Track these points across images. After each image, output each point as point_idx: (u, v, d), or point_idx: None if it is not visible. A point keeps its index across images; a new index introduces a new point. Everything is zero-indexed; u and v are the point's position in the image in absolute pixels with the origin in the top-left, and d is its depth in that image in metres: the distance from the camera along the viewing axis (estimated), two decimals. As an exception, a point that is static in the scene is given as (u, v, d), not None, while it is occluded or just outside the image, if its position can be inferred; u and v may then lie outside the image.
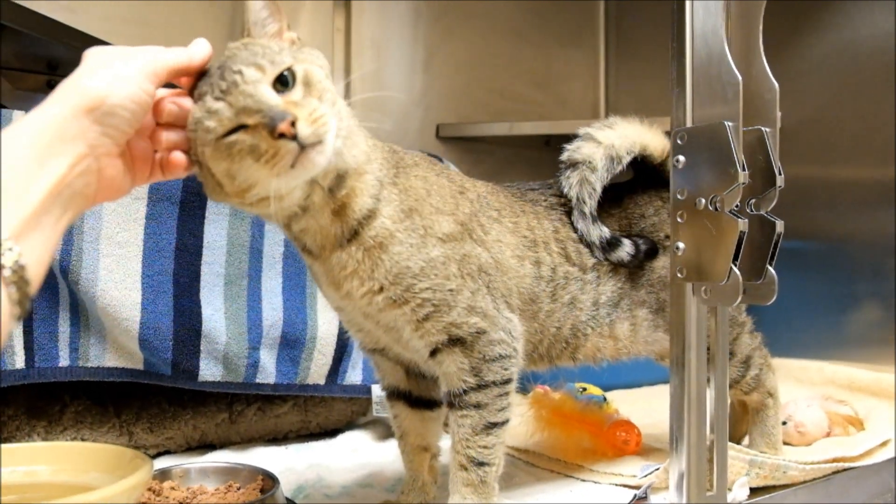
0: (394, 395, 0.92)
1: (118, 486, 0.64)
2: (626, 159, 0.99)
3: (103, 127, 0.60)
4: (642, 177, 1.06)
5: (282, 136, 0.63)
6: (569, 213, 0.98)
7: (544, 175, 1.06)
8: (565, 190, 0.97)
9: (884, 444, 1.15)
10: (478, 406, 0.80)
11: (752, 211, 0.90)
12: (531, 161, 2.01)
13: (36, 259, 0.54)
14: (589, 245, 0.96)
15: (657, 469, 0.97)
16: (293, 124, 0.63)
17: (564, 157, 1.00)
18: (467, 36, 1.96)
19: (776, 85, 0.89)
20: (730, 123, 0.86)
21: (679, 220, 0.91)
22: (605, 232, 0.96)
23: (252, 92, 0.65)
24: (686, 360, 0.91)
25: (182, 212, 1.06)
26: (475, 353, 0.80)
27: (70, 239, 0.99)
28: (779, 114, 0.89)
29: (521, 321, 0.89)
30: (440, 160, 1.27)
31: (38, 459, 0.75)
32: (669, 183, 1.04)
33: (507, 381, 0.82)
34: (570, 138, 1.05)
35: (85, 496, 0.66)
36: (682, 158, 0.90)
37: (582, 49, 2.14)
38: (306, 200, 0.73)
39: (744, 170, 0.85)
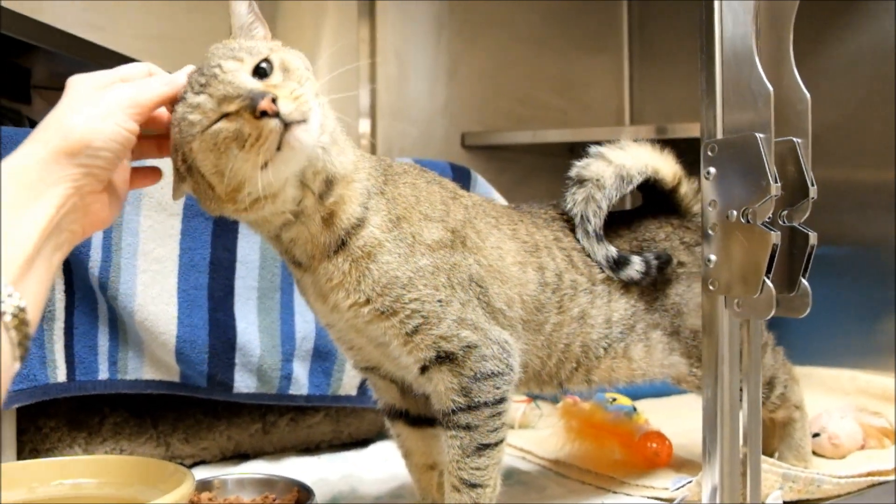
0: (391, 414, 0.90)
1: (166, 500, 0.65)
2: (638, 179, 0.97)
3: (87, 168, 0.60)
4: (652, 203, 1.04)
5: (264, 114, 0.63)
6: (571, 227, 0.96)
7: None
8: (568, 206, 0.95)
9: (920, 456, 1.14)
10: (468, 427, 0.78)
11: (784, 222, 0.90)
12: (555, 168, 1.99)
13: (33, 300, 0.55)
14: (625, 288, 0.94)
15: (689, 482, 0.96)
16: (274, 101, 0.63)
17: (572, 173, 0.98)
18: (490, 44, 1.97)
19: (808, 95, 0.89)
20: (761, 135, 0.85)
21: (710, 232, 0.91)
22: (612, 251, 0.94)
23: (231, 80, 0.66)
24: (719, 374, 0.91)
25: (216, 227, 1.08)
26: (466, 369, 0.77)
27: (108, 255, 1.01)
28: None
29: (524, 333, 0.86)
30: (468, 172, 1.29)
31: (83, 473, 0.78)
32: (678, 209, 1.04)
33: (500, 401, 0.79)
34: (593, 145, 1.04)
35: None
36: (712, 170, 0.89)
37: (605, 54, 2.14)
38: (298, 205, 0.72)
39: (776, 182, 0.85)
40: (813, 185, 0.87)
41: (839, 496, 1.03)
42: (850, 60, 1.70)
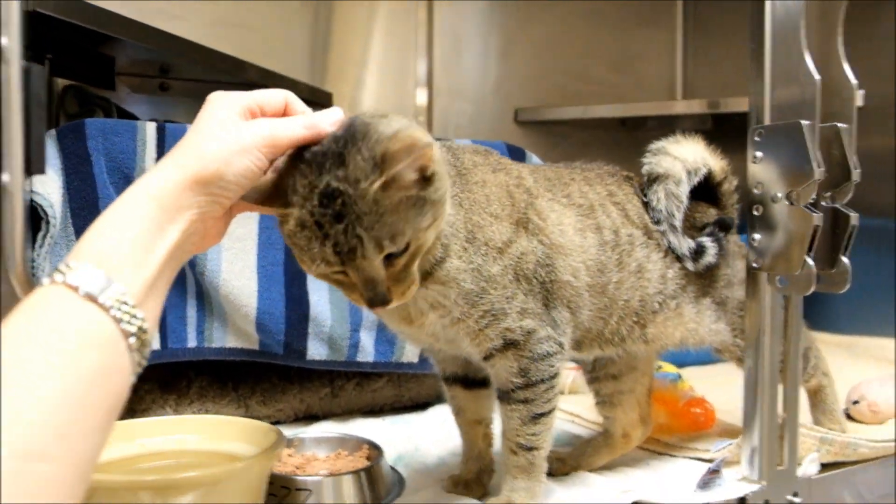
0: (450, 380, 0.97)
1: (266, 453, 0.76)
2: (703, 172, 1.01)
3: (215, 196, 0.62)
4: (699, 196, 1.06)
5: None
6: (622, 181, 1.00)
7: (620, 156, 1.09)
8: (653, 204, 0.98)
9: (961, 423, 1.18)
10: (526, 401, 0.85)
11: (828, 203, 0.94)
12: (607, 143, 2.05)
13: (152, 320, 0.57)
14: (679, 258, 0.98)
15: (730, 444, 1.03)
16: (385, 302, 0.68)
17: (644, 171, 1.01)
18: (544, 21, 2.01)
19: (854, 82, 0.92)
20: (806, 122, 0.90)
21: (755, 212, 0.96)
22: (692, 243, 0.98)
23: (366, 267, 0.66)
24: (761, 345, 0.96)
25: (289, 207, 1.17)
26: (525, 352, 0.84)
27: (195, 234, 1.11)
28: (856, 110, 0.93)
29: (590, 299, 0.90)
30: (523, 152, 1.34)
31: (186, 430, 0.88)
32: (719, 202, 1.06)
33: (554, 377, 0.86)
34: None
35: (248, 459, 0.79)
36: (759, 154, 0.94)
37: (659, 29, 2.15)
38: None
39: (819, 167, 0.89)
40: (856, 168, 0.91)
41: (876, 458, 1.09)
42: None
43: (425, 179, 0.67)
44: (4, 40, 0.49)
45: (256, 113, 0.67)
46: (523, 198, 0.86)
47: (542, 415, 0.87)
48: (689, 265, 0.97)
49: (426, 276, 0.77)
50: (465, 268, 0.79)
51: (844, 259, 0.92)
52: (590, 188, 0.97)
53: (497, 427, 0.96)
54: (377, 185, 0.64)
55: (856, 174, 0.90)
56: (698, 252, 0.98)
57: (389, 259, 0.68)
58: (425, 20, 1.87)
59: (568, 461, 1.05)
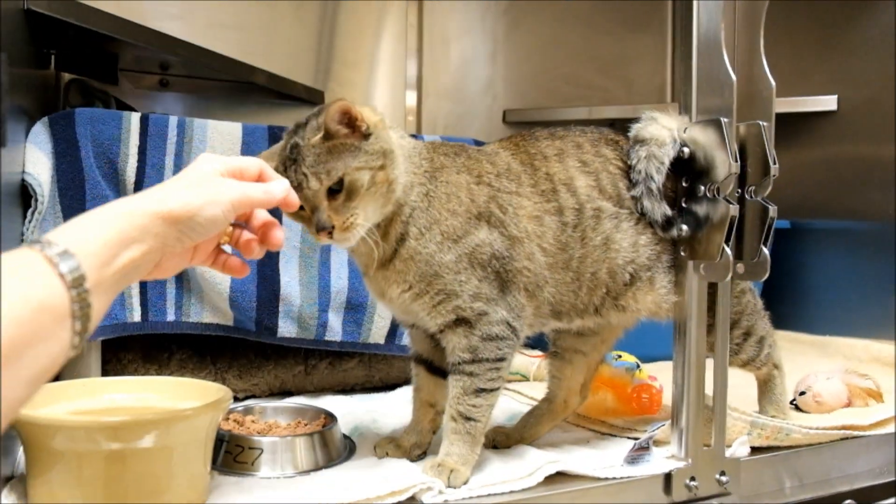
0: (418, 360, 1.06)
1: (212, 404, 0.85)
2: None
3: (181, 234, 0.70)
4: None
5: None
6: (617, 150, 1.05)
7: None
8: (633, 163, 1.02)
9: (897, 415, 1.22)
10: (471, 374, 0.94)
11: (751, 197, 1.00)
12: (593, 144, 2.10)
13: (96, 315, 0.62)
14: (651, 223, 1.01)
15: (662, 426, 1.09)
16: (330, 232, 0.87)
17: (631, 133, 1.05)
18: (533, 24, 2.08)
19: (773, 83, 0.98)
20: (725, 119, 0.96)
21: (683, 205, 1.02)
22: (668, 210, 1.01)
23: (311, 197, 0.86)
24: (687, 329, 1.02)
25: (265, 194, 1.26)
26: (475, 331, 0.94)
27: (175, 217, 1.21)
28: (775, 109, 0.98)
29: (552, 275, 0.98)
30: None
31: (147, 389, 0.97)
32: None
33: (500, 360, 0.95)
34: (631, 121, 1.11)
35: (184, 407, 0.87)
36: (685, 150, 1.01)
37: (649, 33, 2.20)
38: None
39: (736, 161, 0.95)
40: (775, 163, 0.97)
41: (809, 445, 1.13)
42: (880, 35, 1.72)
43: (365, 136, 0.88)
44: (-32, 33, 0.58)
45: (237, 175, 0.78)
46: (484, 193, 0.97)
47: (484, 391, 0.95)
48: (659, 231, 1.02)
49: (392, 256, 0.93)
50: (421, 250, 0.92)
51: (765, 249, 0.97)
52: (560, 165, 1.02)
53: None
54: (318, 137, 0.86)
55: (774, 169, 0.96)
56: (669, 222, 1.01)
57: (332, 194, 0.86)
58: (416, 23, 1.95)
59: (512, 434, 1.12)
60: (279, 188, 0.80)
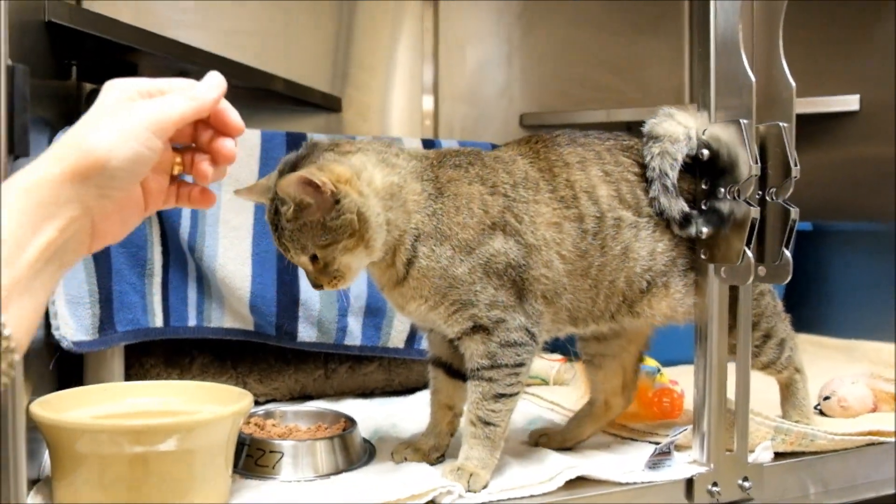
0: (436, 363, 1.06)
1: (227, 410, 0.85)
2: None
3: (102, 189, 0.57)
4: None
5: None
6: (633, 156, 1.03)
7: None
8: (647, 161, 1.01)
9: (926, 421, 1.20)
10: (490, 380, 0.94)
11: (772, 199, 0.99)
12: (612, 148, 2.10)
13: (23, 324, 0.53)
14: (668, 221, 1.00)
15: (684, 430, 1.08)
16: (322, 286, 0.93)
17: (645, 129, 1.04)
18: (547, 29, 2.07)
19: (793, 84, 0.97)
20: (744, 120, 0.95)
21: (703, 207, 1.02)
22: (685, 206, 1.00)
23: (296, 262, 0.93)
24: (709, 332, 1.02)
25: (284, 200, 1.27)
26: (493, 337, 0.93)
27: (195, 223, 1.22)
28: (795, 110, 0.97)
29: (570, 282, 0.97)
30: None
31: (169, 393, 0.98)
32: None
33: (519, 365, 0.94)
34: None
35: (206, 411, 0.88)
36: (705, 152, 1.00)
37: (665, 35, 2.19)
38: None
39: (756, 163, 0.95)
40: (796, 165, 0.96)
41: (835, 451, 1.12)
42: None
43: (335, 200, 0.86)
44: (-9, 45, 0.59)
45: (155, 94, 0.63)
46: (499, 203, 0.96)
47: (504, 396, 0.95)
48: (676, 229, 1.01)
49: (405, 275, 0.94)
50: (434, 266, 0.93)
51: (787, 252, 0.97)
52: (583, 174, 1.01)
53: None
54: (289, 211, 0.87)
55: (795, 170, 0.95)
56: (687, 218, 1.00)
57: (314, 260, 0.90)
58: (431, 27, 1.96)
59: (554, 437, 1.12)
60: (208, 90, 0.65)
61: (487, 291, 0.93)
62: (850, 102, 1.80)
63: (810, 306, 1.84)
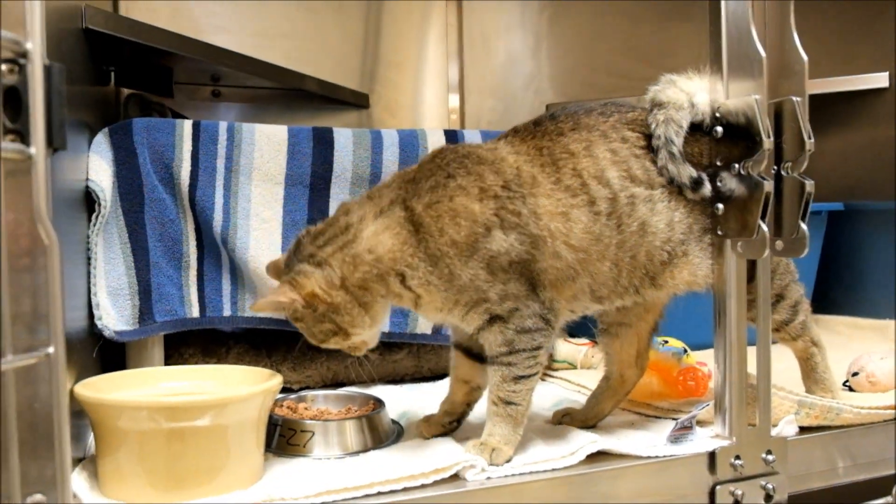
0: (457, 346, 1.09)
1: (258, 388, 0.89)
2: (707, 105, 1.02)
3: None
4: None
5: None
6: (637, 129, 1.03)
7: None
8: (652, 129, 1.02)
9: (956, 395, 1.19)
10: (509, 364, 0.96)
11: (787, 173, 1.00)
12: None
13: None
14: (679, 186, 1.00)
15: (707, 405, 1.09)
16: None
17: (649, 96, 1.05)
18: (575, 16, 2.09)
19: (805, 57, 0.97)
20: (756, 96, 0.96)
21: (718, 183, 1.02)
22: (692, 171, 1.00)
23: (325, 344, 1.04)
24: (727, 308, 1.03)
25: (312, 193, 1.32)
26: (510, 325, 0.96)
27: (228, 217, 1.27)
28: (807, 83, 0.98)
29: (584, 269, 0.98)
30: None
31: (204, 377, 1.03)
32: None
33: (536, 349, 0.97)
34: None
35: (235, 391, 0.92)
36: (719, 129, 1.01)
37: (690, 21, 2.18)
38: None
39: (769, 137, 0.95)
40: (810, 138, 0.96)
41: (861, 424, 1.11)
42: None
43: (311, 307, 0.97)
44: (29, 45, 0.64)
45: None
46: (489, 206, 0.95)
47: (523, 377, 0.97)
48: (689, 193, 1.01)
49: (416, 298, 0.98)
50: (436, 282, 0.96)
51: (803, 225, 0.97)
52: (588, 159, 1.01)
53: (477, 411, 1.09)
54: (292, 315, 1.00)
55: (809, 144, 0.95)
56: (698, 182, 1.00)
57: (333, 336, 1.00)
58: (455, 22, 1.99)
59: (576, 415, 1.14)
60: None
61: (496, 287, 0.95)
62: (879, 80, 1.77)
63: (843, 287, 1.82)
